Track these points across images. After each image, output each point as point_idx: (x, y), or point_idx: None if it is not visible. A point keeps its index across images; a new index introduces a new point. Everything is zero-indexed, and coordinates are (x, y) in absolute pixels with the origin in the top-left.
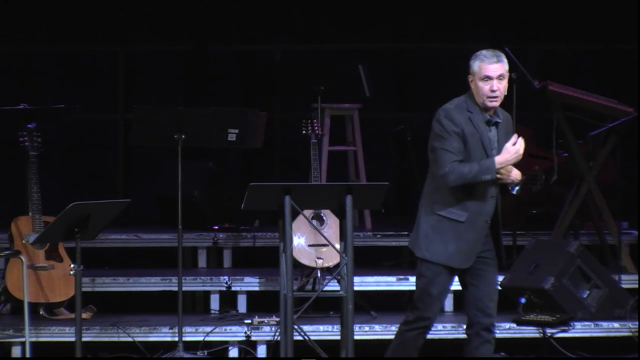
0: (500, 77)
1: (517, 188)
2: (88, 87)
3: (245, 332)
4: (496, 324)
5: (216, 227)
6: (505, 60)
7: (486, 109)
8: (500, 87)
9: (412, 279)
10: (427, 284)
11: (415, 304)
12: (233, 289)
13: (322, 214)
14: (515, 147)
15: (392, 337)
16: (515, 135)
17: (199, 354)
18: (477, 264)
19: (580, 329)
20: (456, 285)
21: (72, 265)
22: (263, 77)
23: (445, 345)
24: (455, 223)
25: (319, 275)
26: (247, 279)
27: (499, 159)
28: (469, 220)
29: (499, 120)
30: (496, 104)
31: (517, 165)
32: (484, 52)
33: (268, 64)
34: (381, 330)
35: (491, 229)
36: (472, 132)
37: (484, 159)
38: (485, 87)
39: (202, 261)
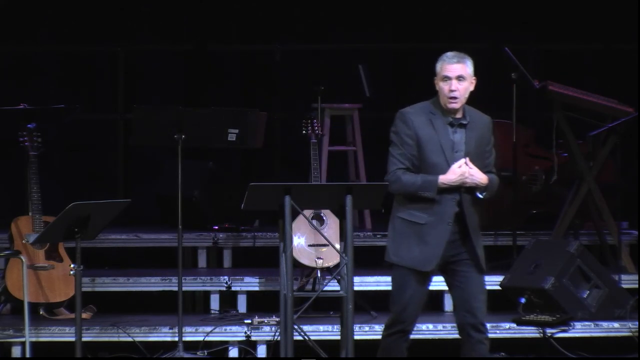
0: (459, 78)
1: (484, 193)
2: (88, 87)
3: (245, 332)
4: (497, 324)
5: (216, 227)
6: (469, 63)
7: (449, 111)
8: (460, 88)
9: None
10: (398, 287)
11: (390, 308)
12: (233, 289)
13: (322, 214)
14: (460, 169)
15: None
16: (463, 160)
17: (199, 354)
18: (458, 266)
19: (580, 329)
20: None
21: (72, 265)
22: (263, 77)
23: (445, 345)
24: (416, 225)
25: (319, 275)
26: (247, 279)
27: (442, 178)
28: (430, 222)
29: (463, 122)
30: (456, 105)
31: (517, 165)
32: (448, 53)
33: (268, 64)
34: (381, 330)
35: (465, 232)
36: (430, 134)
37: (429, 176)
38: (444, 87)
39: (202, 261)
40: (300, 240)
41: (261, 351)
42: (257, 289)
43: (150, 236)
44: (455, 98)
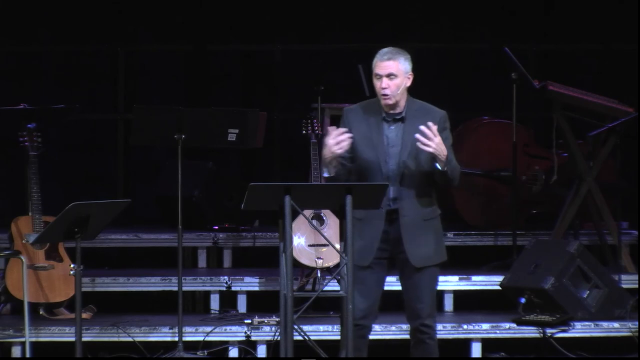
0: (390, 76)
1: (445, 168)
2: (88, 87)
3: (245, 332)
4: (497, 324)
5: (216, 227)
6: (403, 60)
7: (386, 107)
8: (391, 85)
9: None
10: (354, 284)
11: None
12: (233, 289)
13: (322, 214)
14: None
15: (392, 337)
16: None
17: (199, 354)
18: (401, 264)
19: (580, 329)
20: (456, 285)
21: (72, 265)
22: (263, 77)
23: (445, 345)
24: (357, 221)
25: (319, 275)
26: (247, 279)
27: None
28: (365, 218)
29: (397, 117)
30: (389, 101)
31: (517, 165)
32: (383, 49)
33: (268, 64)
34: (381, 330)
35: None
36: (363, 131)
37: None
38: (377, 84)
39: (202, 261)
40: (300, 240)
41: (261, 351)
42: (257, 289)
43: (150, 236)
44: (387, 95)
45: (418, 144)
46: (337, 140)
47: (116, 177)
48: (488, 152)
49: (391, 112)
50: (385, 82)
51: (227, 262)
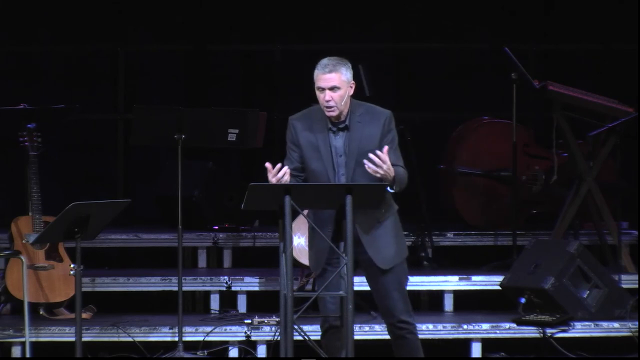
0: (333, 88)
1: (394, 187)
2: (88, 87)
3: (245, 332)
4: (497, 324)
5: (216, 227)
6: (344, 70)
7: (330, 117)
8: (335, 97)
9: (412, 279)
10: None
11: None
12: (233, 289)
13: None
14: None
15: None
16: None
17: (199, 354)
18: (364, 267)
19: (580, 329)
20: (456, 285)
21: (72, 265)
22: (263, 77)
23: (445, 345)
24: (311, 228)
25: None
26: (247, 279)
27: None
28: (316, 225)
29: (341, 126)
30: (333, 113)
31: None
32: (323, 60)
33: (268, 64)
34: (381, 330)
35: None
36: (310, 140)
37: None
38: (320, 96)
39: (202, 261)
40: (300, 240)
41: (261, 351)
42: (257, 289)
43: (150, 236)
44: (331, 107)
45: (367, 167)
46: (277, 179)
47: (116, 177)
48: (488, 152)
49: (336, 121)
50: (328, 94)
51: (227, 262)
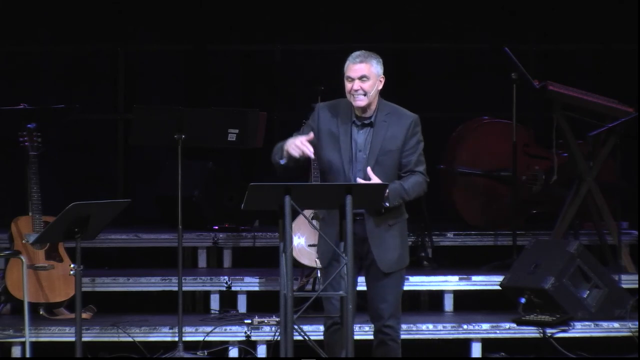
0: (362, 78)
1: (386, 203)
2: (88, 87)
3: (245, 332)
4: (497, 324)
5: (216, 227)
6: (375, 62)
7: (357, 109)
8: (364, 86)
9: (412, 279)
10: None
11: None
12: (233, 289)
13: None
14: (297, 144)
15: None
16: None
17: (199, 354)
18: (367, 267)
19: (580, 329)
20: (456, 285)
21: (72, 265)
22: (263, 77)
23: (445, 345)
24: (322, 221)
25: (319, 275)
26: (247, 279)
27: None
28: (326, 217)
29: (366, 122)
30: (361, 103)
31: (517, 165)
32: (355, 52)
33: (268, 64)
34: None
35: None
36: (332, 130)
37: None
38: (348, 85)
39: (202, 261)
40: (300, 240)
41: (261, 351)
42: (257, 289)
43: (150, 236)
44: (358, 94)
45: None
46: (300, 147)
47: (116, 177)
48: (488, 152)
49: (362, 115)
50: (357, 84)
51: (227, 262)
